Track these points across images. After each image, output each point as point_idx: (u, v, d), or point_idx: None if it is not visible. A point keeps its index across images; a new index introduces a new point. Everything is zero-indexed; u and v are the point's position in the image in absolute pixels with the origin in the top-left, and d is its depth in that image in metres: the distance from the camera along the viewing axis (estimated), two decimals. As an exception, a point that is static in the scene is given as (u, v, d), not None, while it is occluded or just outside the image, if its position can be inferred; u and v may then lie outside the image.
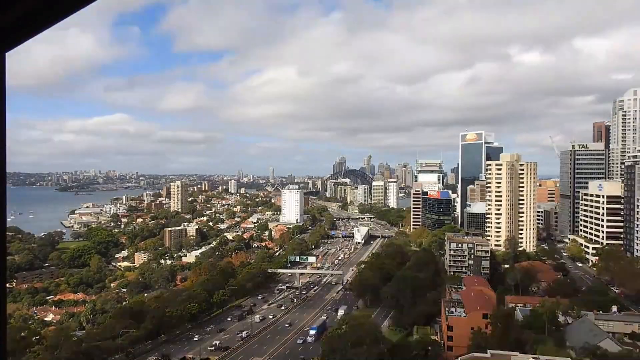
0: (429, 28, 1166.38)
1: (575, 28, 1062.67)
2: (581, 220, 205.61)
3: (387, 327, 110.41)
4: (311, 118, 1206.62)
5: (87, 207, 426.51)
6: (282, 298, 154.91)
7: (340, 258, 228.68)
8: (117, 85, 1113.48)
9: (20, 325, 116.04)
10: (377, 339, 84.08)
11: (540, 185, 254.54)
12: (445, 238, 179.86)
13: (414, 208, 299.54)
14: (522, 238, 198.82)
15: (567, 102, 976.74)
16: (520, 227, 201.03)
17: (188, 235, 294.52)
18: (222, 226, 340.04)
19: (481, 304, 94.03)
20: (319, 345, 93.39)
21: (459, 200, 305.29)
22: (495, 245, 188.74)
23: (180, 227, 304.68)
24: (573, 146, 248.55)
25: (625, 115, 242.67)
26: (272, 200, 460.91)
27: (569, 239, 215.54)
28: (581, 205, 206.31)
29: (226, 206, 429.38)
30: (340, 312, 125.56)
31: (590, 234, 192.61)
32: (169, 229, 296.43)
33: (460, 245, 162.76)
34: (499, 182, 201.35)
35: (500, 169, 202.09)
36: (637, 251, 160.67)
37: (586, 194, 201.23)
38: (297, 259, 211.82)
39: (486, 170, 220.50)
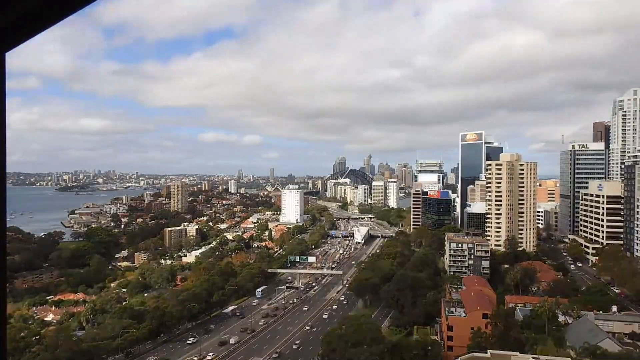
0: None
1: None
2: (581, 220, 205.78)
3: (387, 327, 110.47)
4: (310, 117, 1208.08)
5: (87, 207, 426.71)
6: (282, 297, 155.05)
7: (340, 258, 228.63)
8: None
9: (20, 325, 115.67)
10: (377, 338, 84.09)
11: (540, 185, 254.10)
12: (445, 238, 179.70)
13: (414, 208, 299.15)
14: (522, 238, 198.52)
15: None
16: (520, 227, 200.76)
17: (188, 235, 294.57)
18: (222, 226, 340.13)
19: (481, 304, 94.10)
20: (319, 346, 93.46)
21: (459, 200, 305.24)
22: (495, 245, 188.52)
23: (180, 227, 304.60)
24: (573, 146, 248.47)
25: (625, 115, 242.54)
26: (272, 200, 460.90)
27: (569, 239, 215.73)
28: (581, 205, 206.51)
29: (226, 206, 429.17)
30: None
31: (590, 234, 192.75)
32: (169, 229, 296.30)
33: (460, 245, 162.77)
34: (499, 182, 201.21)
35: (500, 169, 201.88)
36: (637, 251, 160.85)
37: (586, 194, 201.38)
38: (297, 259, 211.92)
39: (486, 170, 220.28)
